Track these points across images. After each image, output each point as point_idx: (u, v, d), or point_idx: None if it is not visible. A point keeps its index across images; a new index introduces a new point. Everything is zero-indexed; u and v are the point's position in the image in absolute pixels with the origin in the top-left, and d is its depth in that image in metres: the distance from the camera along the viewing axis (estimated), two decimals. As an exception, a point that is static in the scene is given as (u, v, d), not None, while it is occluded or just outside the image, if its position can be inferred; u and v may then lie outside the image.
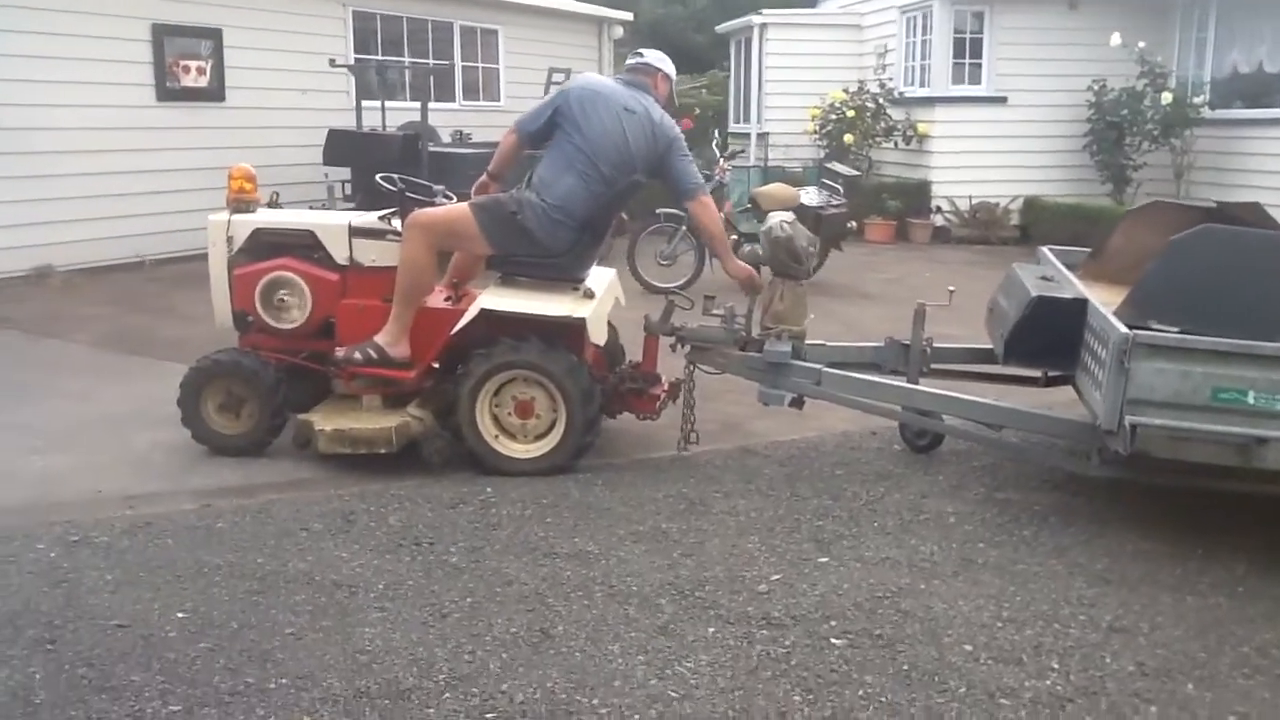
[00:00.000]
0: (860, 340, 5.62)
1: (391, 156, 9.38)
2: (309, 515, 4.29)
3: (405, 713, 2.92)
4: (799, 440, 5.44)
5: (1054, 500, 4.70)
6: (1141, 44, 11.98)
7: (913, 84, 13.76)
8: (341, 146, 10.19)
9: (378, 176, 5.14)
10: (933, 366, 5.21)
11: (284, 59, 11.06)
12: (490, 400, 4.78)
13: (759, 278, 5.19)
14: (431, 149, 10.34)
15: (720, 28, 17.40)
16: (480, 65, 14.16)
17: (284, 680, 3.07)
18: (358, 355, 4.79)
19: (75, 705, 2.92)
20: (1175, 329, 4.00)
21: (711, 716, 2.94)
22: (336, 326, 4.97)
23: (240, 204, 5.14)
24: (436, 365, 5.00)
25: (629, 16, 16.84)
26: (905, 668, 3.22)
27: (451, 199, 5.24)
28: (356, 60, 11.83)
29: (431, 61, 13.19)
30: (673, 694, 3.04)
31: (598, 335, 4.84)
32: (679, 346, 5.12)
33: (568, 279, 4.90)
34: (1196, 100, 12.00)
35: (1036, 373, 5.14)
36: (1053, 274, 4.98)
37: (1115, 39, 11.89)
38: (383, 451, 4.72)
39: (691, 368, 5.10)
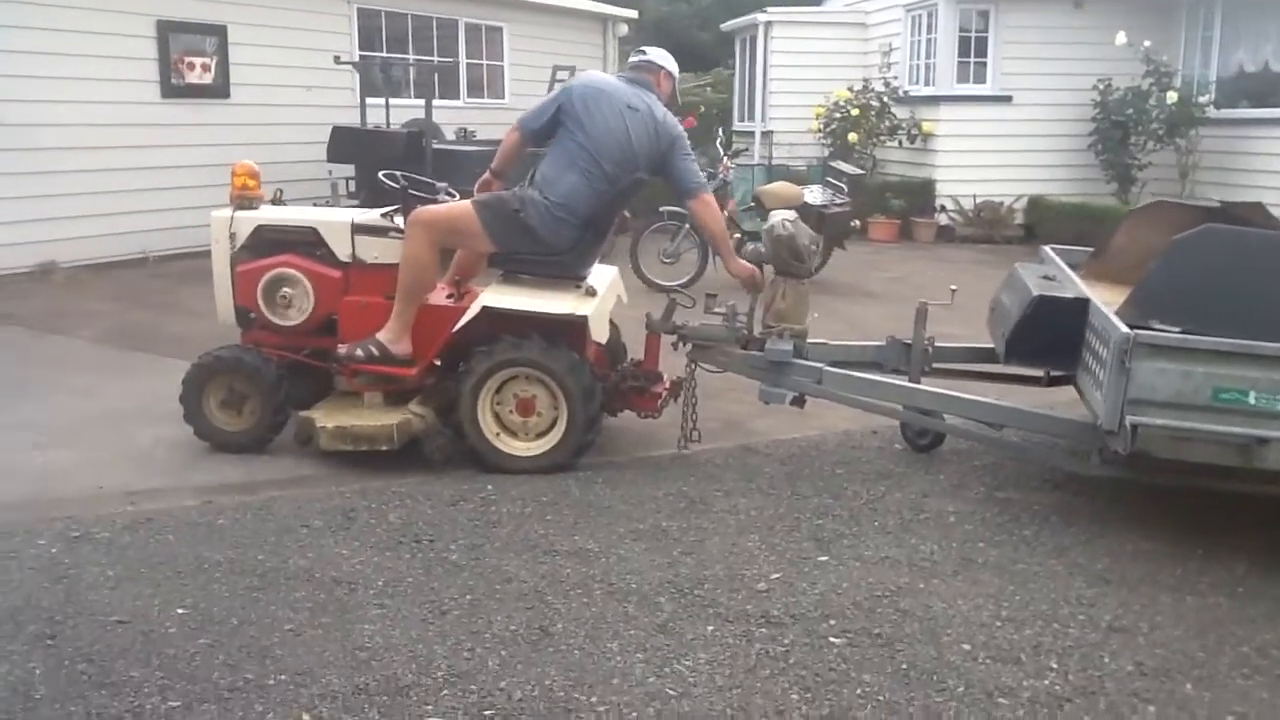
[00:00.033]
0: (863, 339, 5.62)
1: (395, 154, 9.38)
2: (310, 512, 4.29)
3: (404, 709, 2.92)
4: (800, 439, 5.44)
5: (1055, 500, 4.70)
6: (1147, 43, 11.95)
7: (917, 82, 13.75)
8: (346, 144, 10.20)
9: (381, 174, 5.14)
10: (934, 366, 5.21)
11: (289, 56, 11.06)
12: (492, 398, 4.79)
13: (761, 276, 5.18)
14: (435, 146, 10.34)
15: (725, 26, 17.40)
16: (485, 63, 14.14)
17: (283, 676, 3.07)
18: (360, 352, 4.80)
19: (75, 701, 2.93)
20: (1177, 329, 4.00)
21: (710, 714, 2.94)
22: (339, 323, 4.98)
23: (244, 201, 5.15)
24: (438, 362, 5.01)
25: (634, 14, 16.82)
26: (904, 667, 3.22)
27: (454, 196, 5.24)
28: (361, 57, 11.82)
29: (436, 59, 13.18)
30: (671, 692, 3.04)
31: (599, 333, 4.84)
32: (680, 345, 5.12)
33: (570, 277, 4.91)
34: (1202, 100, 11.97)
35: (1038, 372, 5.14)
36: (1055, 273, 4.98)
37: (1120, 38, 11.86)
38: (384, 449, 4.72)
39: (693, 366, 5.10)
